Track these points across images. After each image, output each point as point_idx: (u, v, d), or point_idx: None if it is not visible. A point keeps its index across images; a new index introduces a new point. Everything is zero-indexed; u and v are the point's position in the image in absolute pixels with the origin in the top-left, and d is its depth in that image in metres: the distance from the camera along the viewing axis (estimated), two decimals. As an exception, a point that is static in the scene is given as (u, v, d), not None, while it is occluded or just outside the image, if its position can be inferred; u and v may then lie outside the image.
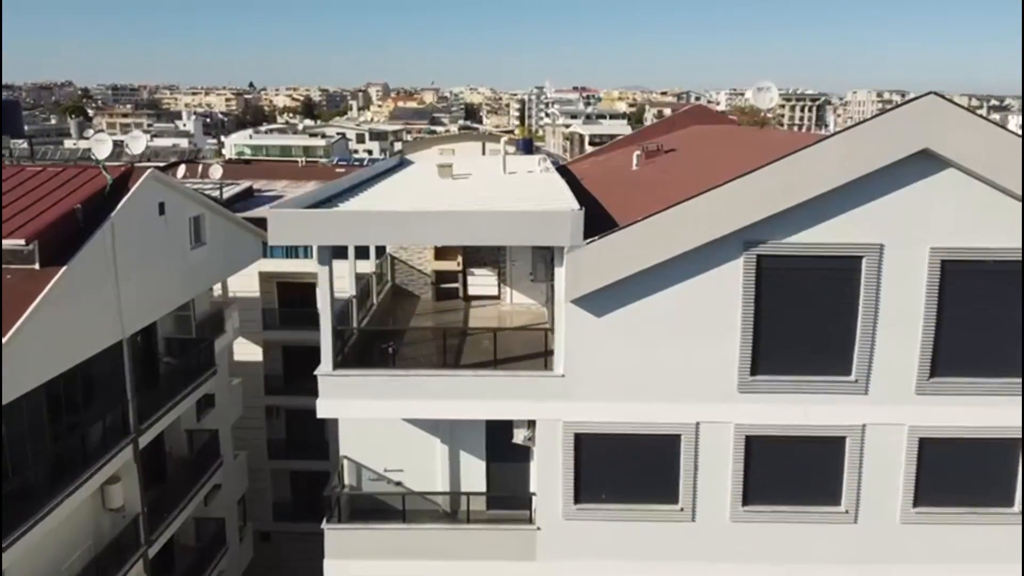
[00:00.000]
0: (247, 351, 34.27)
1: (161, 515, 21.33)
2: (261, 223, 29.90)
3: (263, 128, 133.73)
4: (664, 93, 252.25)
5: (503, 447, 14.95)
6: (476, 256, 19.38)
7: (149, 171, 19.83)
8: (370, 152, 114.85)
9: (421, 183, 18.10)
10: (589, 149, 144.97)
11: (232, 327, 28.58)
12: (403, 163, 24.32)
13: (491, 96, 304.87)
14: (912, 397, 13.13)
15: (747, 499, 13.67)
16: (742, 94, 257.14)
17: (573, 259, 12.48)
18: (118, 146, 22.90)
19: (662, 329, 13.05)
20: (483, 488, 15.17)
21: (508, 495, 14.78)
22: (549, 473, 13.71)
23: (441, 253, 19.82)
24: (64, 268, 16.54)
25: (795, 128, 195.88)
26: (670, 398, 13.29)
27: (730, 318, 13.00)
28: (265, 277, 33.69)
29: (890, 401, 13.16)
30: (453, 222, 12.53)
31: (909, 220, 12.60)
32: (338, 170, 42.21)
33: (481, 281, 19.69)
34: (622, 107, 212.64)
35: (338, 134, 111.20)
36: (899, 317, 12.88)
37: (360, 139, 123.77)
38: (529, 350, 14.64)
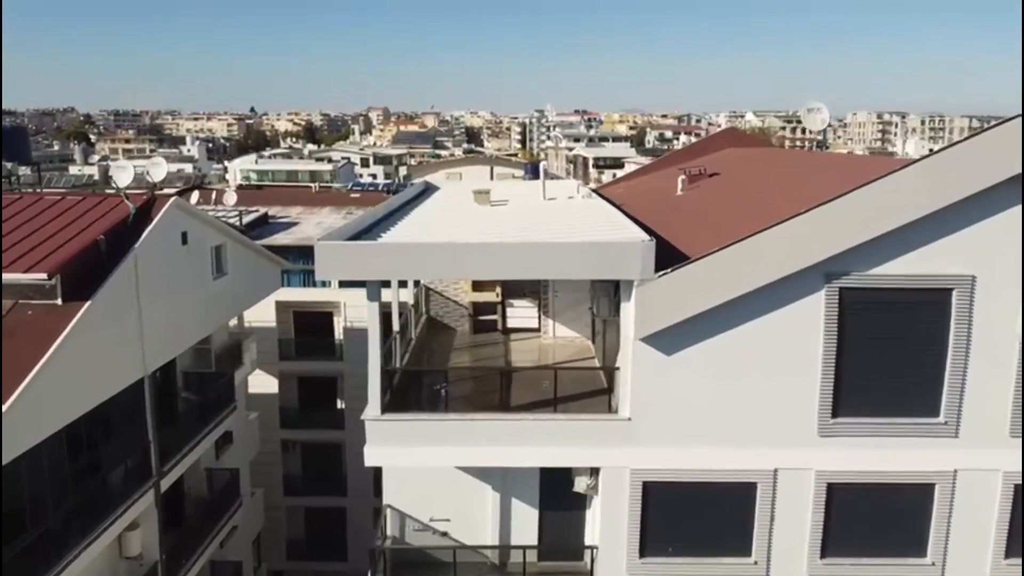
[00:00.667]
0: (261, 382, 33.25)
1: (179, 561, 20.25)
2: (279, 251, 29.18)
3: (266, 153, 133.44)
4: (664, 116, 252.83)
5: (558, 494, 13.99)
6: (515, 287, 18.51)
7: (172, 199, 18.99)
8: (374, 176, 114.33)
9: (459, 211, 17.23)
10: (593, 172, 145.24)
11: (250, 359, 27.62)
12: (428, 189, 23.47)
13: (491, 119, 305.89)
14: (1007, 440, 12.18)
15: (825, 551, 12.67)
16: (742, 116, 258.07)
17: (643, 293, 11.59)
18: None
19: (737, 368, 12.13)
20: (535, 538, 14.16)
21: (563, 547, 13.76)
22: (613, 524, 12.71)
23: (479, 284, 18.95)
24: (88, 303, 15.63)
25: (797, 148, 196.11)
26: (746, 443, 12.34)
27: (810, 356, 12.08)
28: (281, 306, 32.78)
29: (983, 444, 12.21)
30: (515, 254, 11.65)
31: (1002, 250, 11.73)
32: (352, 195, 41.55)
33: (521, 313, 18.82)
34: (623, 130, 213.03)
35: (343, 158, 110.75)
36: (992, 353, 11.97)
37: (364, 163, 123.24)
38: (580, 388, 13.74)
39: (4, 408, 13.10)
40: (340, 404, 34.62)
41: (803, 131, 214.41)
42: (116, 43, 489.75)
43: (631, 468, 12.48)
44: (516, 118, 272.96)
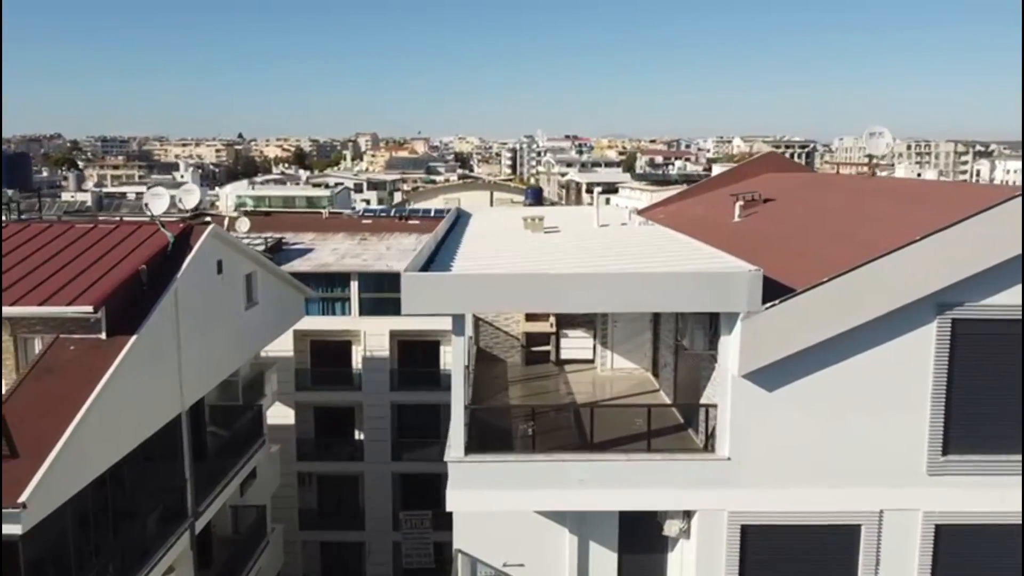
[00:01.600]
0: (277, 413, 32.26)
1: (212, 606, 19.28)
2: (298, 278, 28.34)
3: (259, 178, 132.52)
4: (653, 141, 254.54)
5: (638, 536, 13.26)
6: (569, 317, 17.81)
7: (211, 227, 18.24)
8: (368, 202, 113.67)
9: (516, 239, 16.53)
10: (586, 197, 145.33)
11: (271, 390, 26.79)
12: (462, 216, 22.81)
13: (480, 145, 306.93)
14: None
15: (935, 597, 11.98)
16: (729, 141, 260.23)
17: (750, 326, 10.94)
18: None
19: (842, 404, 11.49)
20: (613, 583, 13.38)
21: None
22: (709, 571, 11.96)
23: (533, 314, 18.27)
24: (134, 337, 14.80)
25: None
26: (850, 483, 11.67)
27: (920, 391, 11.47)
28: (299, 335, 31.88)
29: (1100, 483, 11.58)
30: (617, 285, 10.98)
31: (1120, 278, 11.18)
32: (364, 221, 40.79)
33: (575, 344, 18.12)
34: (612, 155, 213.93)
35: (337, 183, 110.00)
36: (1110, 387, 11.38)
37: (359, 188, 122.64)
38: (655, 425, 12.97)
39: (54, 453, 12.22)
40: (358, 435, 33.70)
41: (792, 156, 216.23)
42: (101, 68, 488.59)
43: (729, 511, 11.76)
44: (506, 143, 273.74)
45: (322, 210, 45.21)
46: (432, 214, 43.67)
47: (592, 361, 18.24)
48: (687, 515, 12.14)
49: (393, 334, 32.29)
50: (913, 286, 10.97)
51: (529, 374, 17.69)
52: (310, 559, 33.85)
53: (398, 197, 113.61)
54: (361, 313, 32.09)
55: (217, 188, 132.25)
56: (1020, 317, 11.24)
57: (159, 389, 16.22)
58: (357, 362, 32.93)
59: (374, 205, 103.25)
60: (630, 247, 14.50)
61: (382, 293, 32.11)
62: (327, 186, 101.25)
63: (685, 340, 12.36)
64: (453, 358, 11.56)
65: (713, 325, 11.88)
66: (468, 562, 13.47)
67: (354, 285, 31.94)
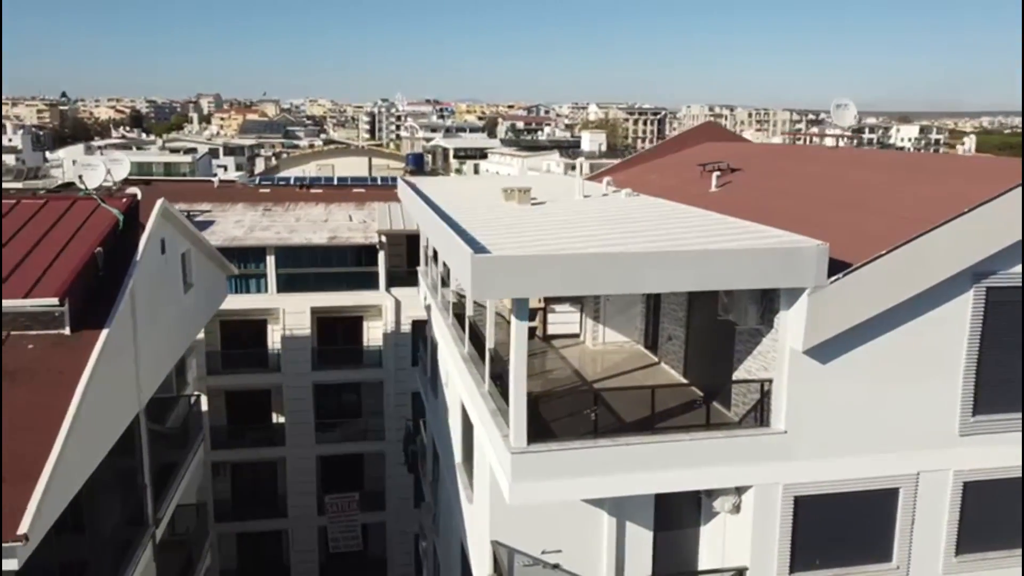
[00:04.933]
0: (187, 401, 29.85)
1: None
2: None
3: (98, 143, 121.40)
4: (511, 106, 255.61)
5: (671, 513, 13.20)
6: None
7: (160, 201, 16.24)
8: (225, 168, 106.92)
9: (511, 213, 15.67)
10: (454, 162, 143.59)
11: (192, 376, 24.63)
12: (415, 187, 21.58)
13: (333, 108, 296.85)
14: None
15: (959, 548, 12.70)
16: (585, 107, 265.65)
17: (816, 301, 10.94)
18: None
19: (887, 373, 11.80)
20: (649, 562, 13.26)
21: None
22: (764, 544, 12.06)
23: (519, 289, 17.66)
24: (105, 332, 12.92)
25: (640, 140, 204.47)
26: (892, 448, 12.08)
27: (954, 356, 11.99)
28: (209, 316, 29.50)
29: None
30: (692, 263, 10.61)
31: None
32: (262, 190, 38.21)
33: (562, 319, 17.70)
34: (472, 120, 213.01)
35: (189, 149, 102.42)
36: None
37: (214, 154, 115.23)
38: (666, 403, 12.84)
39: (46, 474, 10.48)
40: (277, 419, 31.86)
41: (646, 123, 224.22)
42: None
43: (784, 483, 11.88)
44: (361, 107, 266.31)
45: (185, 177, 41.86)
46: (335, 182, 41.59)
47: (579, 336, 17.93)
48: (738, 490, 12.15)
49: (314, 311, 30.58)
50: (960, 257, 11.36)
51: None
52: (226, 556, 31.84)
53: (260, 164, 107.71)
54: (279, 290, 30.11)
55: (47, 152, 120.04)
56: (1043, 284, 11.92)
57: (121, 387, 14.37)
58: (273, 342, 30.98)
59: (232, 172, 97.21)
60: (649, 221, 14.09)
61: (301, 268, 30.28)
62: (184, 151, 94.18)
63: (732, 315, 12.22)
64: (514, 345, 10.81)
65: (765, 299, 11.82)
66: (505, 553, 12.92)
67: (270, 260, 29.88)
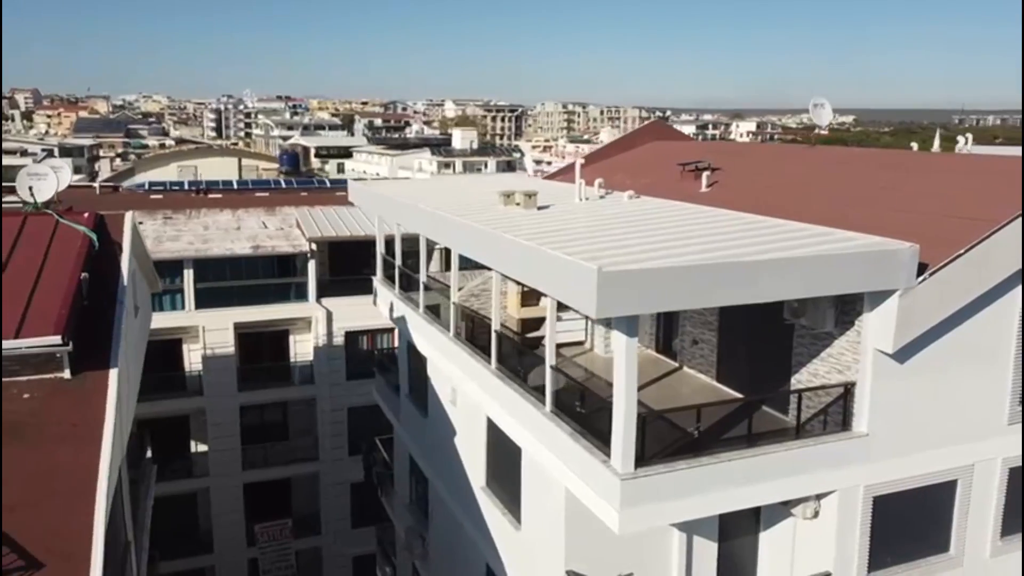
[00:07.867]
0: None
1: None
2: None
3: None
4: (365, 103, 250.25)
5: (733, 522, 12.95)
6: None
7: (129, 215, 14.16)
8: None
9: (530, 219, 14.82)
10: (315, 162, 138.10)
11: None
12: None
13: (171, 104, 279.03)
14: None
15: (1004, 531, 13.26)
16: (440, 104, 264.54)
17: (907, 302, 10.97)
18: None
19: (952, 369, 12.09)
20: (713, 574, 12.96)
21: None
22: (845, 547, 12.04)
23: (527, 299, 16.87)
24: (115, 372, 10.99)
25: (498, 137, 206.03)
26: (955, 441, 12.40)
27: (1006, 347, 12.46)
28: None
29: None
30: (800, 270, 10.30)
31: None
32: (153, 196, 34.84)
33: (568, 326, 17.06)
34: (326, 117, 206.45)
35: (30, 151, 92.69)
36: None
37: (49, 155, 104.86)
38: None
39: (98, 557, 8.70)
40: (196, 447, 29.14)
41: (504, 119, 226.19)
42: None
43: (865, 485, 11.88)
44: (203, 103, 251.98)
45: (93, 185, 37.85)
46: (235, 186, 38.63)
47: (583, 343, 17.39)
48: (818, 496, 12.03)
49: (236, 327, 28.16)
50: (1019, 254, 11.76)
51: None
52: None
53: (105, 166, 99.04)
54: (198, 306, 27.47)
55: None
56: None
57: (121, 437, 12.32)
58: (191, 363, 28.28)
59: (71, 176, 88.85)
60: (688, 226, 13.69)
61: (223, 281, 27.79)
62: (21, 153, 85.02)
63: (805, 319, 12.07)
64: (625, 363, 10.09)
65: (840, 302, 11.74)
66: (579, 582, 12.17)
67: (188, 274, 27.21)
